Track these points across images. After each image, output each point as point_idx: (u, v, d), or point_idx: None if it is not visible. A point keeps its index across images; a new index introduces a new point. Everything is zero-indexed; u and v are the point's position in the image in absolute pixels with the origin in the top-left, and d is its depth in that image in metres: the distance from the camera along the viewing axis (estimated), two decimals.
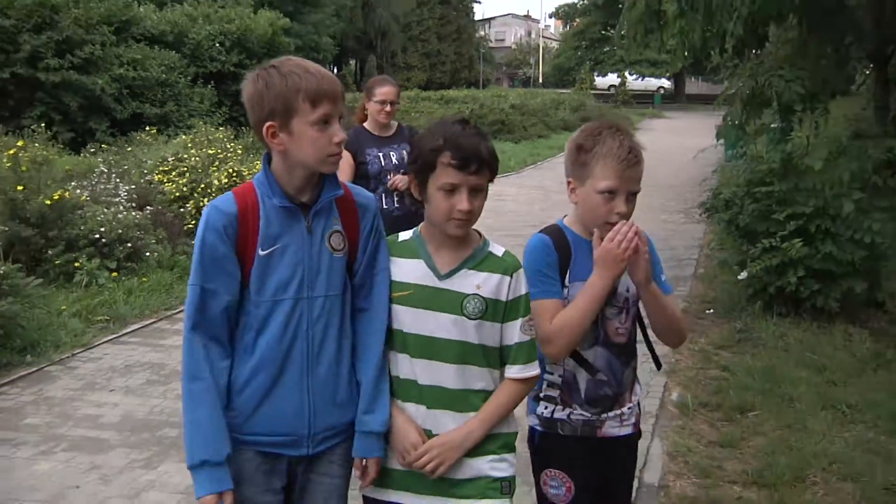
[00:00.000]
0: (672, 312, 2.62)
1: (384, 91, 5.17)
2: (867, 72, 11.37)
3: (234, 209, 2.23)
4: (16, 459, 4.67)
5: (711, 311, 7.65)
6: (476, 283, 2.31)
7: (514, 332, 2.32)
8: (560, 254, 2.52)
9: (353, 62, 53.70)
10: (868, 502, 4.17)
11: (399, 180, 4.96)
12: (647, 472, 4.48)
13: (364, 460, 2.33)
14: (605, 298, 2.48)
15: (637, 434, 2.72)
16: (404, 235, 2.42)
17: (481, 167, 2.24)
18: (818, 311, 7.01)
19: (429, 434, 2.31)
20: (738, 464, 4.60)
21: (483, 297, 2.30)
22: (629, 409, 2.65)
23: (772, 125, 9.10)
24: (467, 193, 2.24)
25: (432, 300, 2.31)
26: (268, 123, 2.19)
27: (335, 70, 51.78)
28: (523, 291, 2.34)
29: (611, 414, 2.60)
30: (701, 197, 9.35)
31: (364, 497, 2.43)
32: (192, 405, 2.21)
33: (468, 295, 2.30)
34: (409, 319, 2.32)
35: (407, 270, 2.34)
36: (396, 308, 2.34)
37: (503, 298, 2.31)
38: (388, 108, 5.22)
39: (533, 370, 2.35)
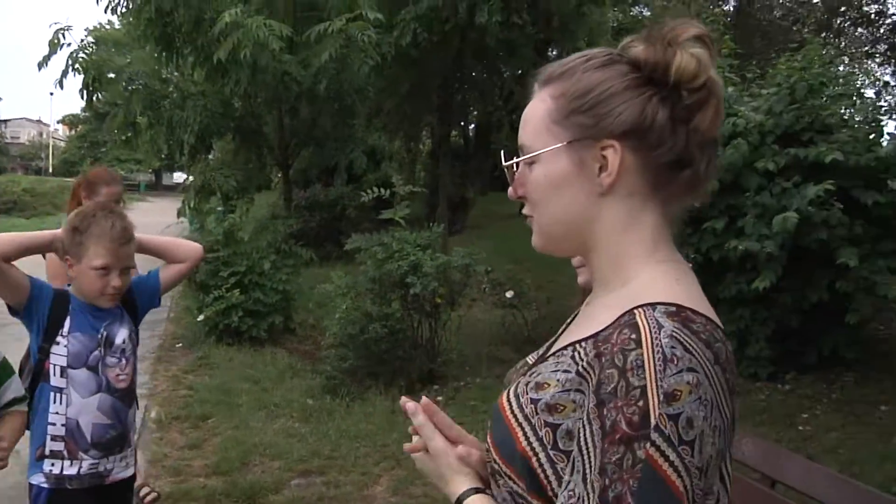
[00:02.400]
0: (166, 246, 2.42)
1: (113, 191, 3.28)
2: (279, 175, 12.07)
3: None
4: None
5: (181, 344, 7.19)
6: None
7: None
8: (58, 310, 2.09)
9: None
10: (290, 472, 4.14)
11: None
12: None
13: None
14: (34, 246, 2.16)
15: (134, 475, 2.28)
16: None
17: None
18: (254, 339, 7.00)
19: None
20: (202, 460, 4.33)
21: None
22: (131, 450, 2.19)
23: (217, 208, 8.98)
24: None
25: None
26: None
27: None
28: None
29: (118, 457, 2.12)
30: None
31: None
32: None
33: None
34: None
35: None
36: None
37: None
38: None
39: None
